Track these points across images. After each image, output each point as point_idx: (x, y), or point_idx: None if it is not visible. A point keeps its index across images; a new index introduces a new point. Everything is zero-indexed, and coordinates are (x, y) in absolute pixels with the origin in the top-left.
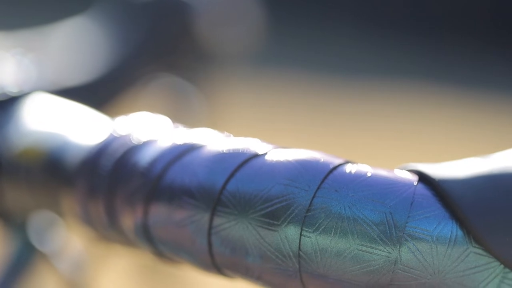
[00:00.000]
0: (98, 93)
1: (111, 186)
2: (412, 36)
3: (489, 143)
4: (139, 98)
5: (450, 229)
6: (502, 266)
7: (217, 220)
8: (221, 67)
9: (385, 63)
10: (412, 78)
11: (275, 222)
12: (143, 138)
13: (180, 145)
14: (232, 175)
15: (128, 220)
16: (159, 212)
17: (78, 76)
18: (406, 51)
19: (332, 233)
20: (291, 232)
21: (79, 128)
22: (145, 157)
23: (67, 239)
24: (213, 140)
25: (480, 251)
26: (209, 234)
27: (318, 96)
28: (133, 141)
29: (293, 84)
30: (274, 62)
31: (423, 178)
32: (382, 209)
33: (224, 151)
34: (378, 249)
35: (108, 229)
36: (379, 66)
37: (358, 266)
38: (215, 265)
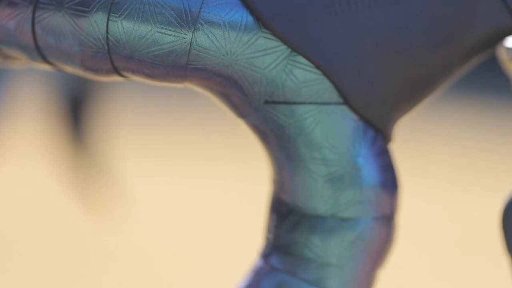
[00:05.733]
0: None
1: None
2: None
3: (490, 145)
4: None
5: (241, 15)
6: (289, 49)
7: (39, 12)
8: None
9: None
10: None
11: (85, 9)
12: None
13: None
14: None
15: None
16: None
17: None
18: None
19: (135, 18)
20: (100, 17)
21: None
22: None
23: None
24: None
25: (269, 36)
26: (33, 24)
27: None
28: None
29: None
30: None
31: None
32: None
33: None
34: (175, 31)
35: None
36: None
37: (158, 47)
38: (42, 55)
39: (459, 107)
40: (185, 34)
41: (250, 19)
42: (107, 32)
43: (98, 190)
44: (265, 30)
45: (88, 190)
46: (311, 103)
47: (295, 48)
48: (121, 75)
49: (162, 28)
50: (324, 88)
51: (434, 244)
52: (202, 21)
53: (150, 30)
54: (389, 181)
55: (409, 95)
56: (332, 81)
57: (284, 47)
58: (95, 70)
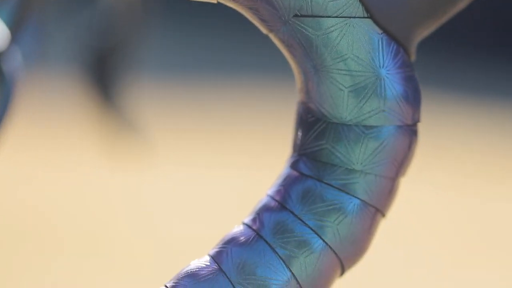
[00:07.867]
0: None
1: None
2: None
3: (489, 146)
4: None
5: None
6: None
7: None
8: None
9: None
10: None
11: None
12: None
13: None
14: None
15: None
16: None
17: None
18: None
19: None
20: None
21: None
22: None
23: None
24: None
25: None
26: None
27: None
28: None
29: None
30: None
31: None
32: None
33: None
34: None
35: None
36: None
37: None
38: None
39: (476, 105)
40: None
41: None
42: None
43: (123, 146)
44: None
45: (115, 145)
46: (337, 16)
47: None
48: None
49: None
50: (349, 2)
51: (447, 239)
52: None
53: None
54: (411, 92)
55: (429, 11)
56: None
57: None
58: None
